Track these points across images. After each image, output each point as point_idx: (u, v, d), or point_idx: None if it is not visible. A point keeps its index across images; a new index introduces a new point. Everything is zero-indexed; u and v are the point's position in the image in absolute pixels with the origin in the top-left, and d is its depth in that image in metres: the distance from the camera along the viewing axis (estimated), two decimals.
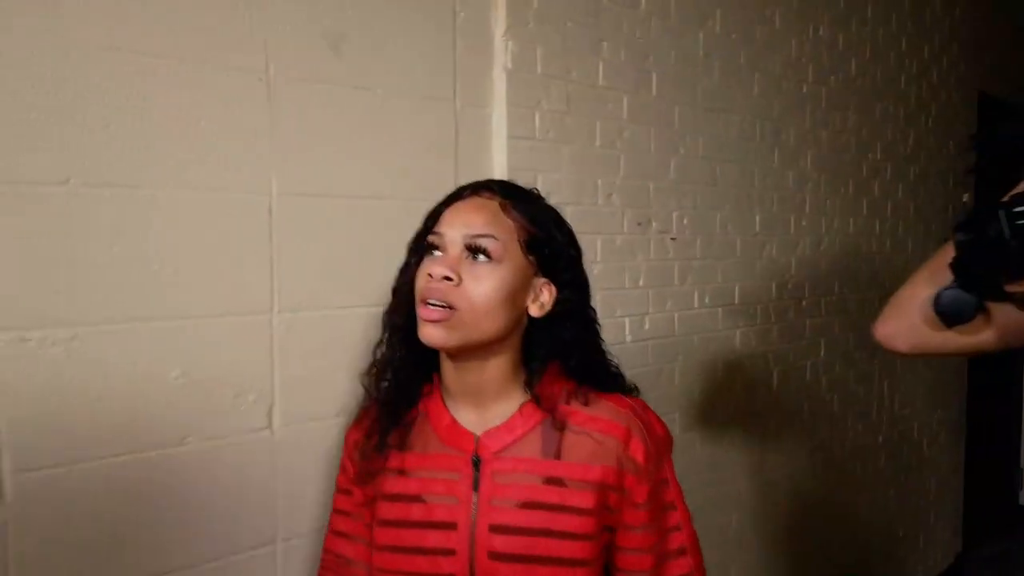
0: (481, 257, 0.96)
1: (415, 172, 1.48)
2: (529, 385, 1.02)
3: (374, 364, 1.08)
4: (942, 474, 3.34)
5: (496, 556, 0.96)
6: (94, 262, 1.10)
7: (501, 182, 1.05)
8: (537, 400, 1.01)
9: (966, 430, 3.53)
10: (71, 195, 1.08)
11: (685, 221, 2.02)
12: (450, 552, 0.97)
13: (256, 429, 1.29)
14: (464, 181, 1.53)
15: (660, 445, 1.04)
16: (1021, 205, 0.82)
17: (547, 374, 1.02)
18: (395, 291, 1.07)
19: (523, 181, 1.60)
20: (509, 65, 1.59)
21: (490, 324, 0.96)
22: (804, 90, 2.41)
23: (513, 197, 1.01)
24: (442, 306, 0.94)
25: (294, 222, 1.31)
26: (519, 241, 0.98)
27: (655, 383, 1.96)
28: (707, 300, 2.11)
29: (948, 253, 0.96)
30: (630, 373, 1.86)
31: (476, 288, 0.95)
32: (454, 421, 1.02)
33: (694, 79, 2.02)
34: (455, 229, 0.97)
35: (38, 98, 1.05)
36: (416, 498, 1.00)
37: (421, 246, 1.02)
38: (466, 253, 0.97)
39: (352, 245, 1.39)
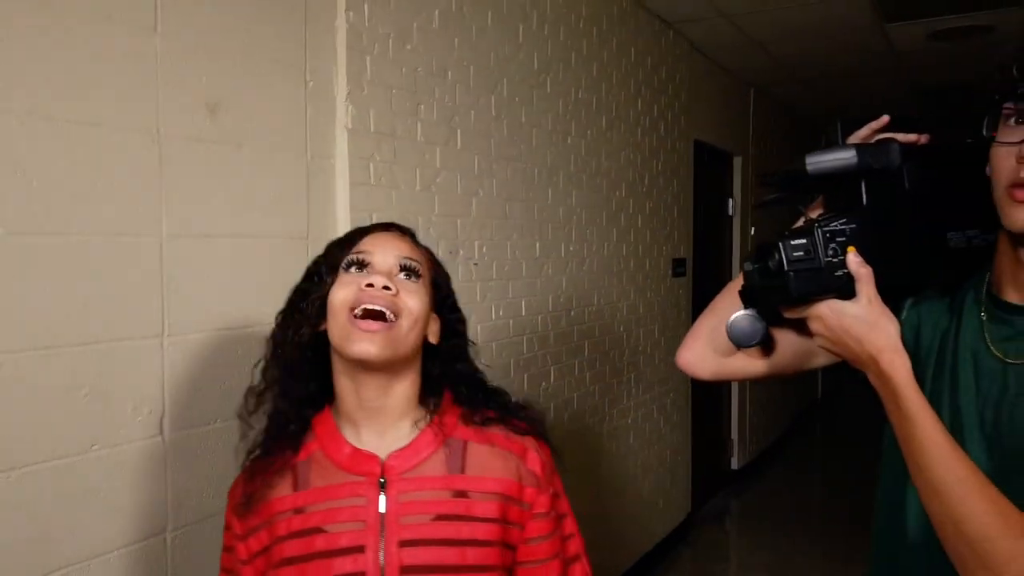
0: (412, 276, 1.01)
1: (276, 213, 1.76)
2: (432, 409, 1.05)
3: (256, 391, 1.06)
4: (675, 446, 4.15)
5: (407, 570, 0.96)
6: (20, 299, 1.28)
7: (403, 226, 1.10)
8: (440, 422, 1.04)
9: (691, 410, 4.40)
10: (3, 243, 1.26)
11: (484, 249, 2.47)
12: (359, 575, 0.96)
13: (151, 436, 1.51)
14: (316, 221, 1.87)
15: (551, 458, 1.10)
16: (798, 239, 0.91)
17: (444, 400, 1.07)
18: (291, 313, 1.05)
19: (361, 219, 1.97)
20: (349, 125, 1.93)
21: (413, 340, 1.00)
22: (569, 142, 2.99)
23: (417, 241, 1.09)
24: (382, 317, 0.96)
25: (182, 258, 1.55)
26: (429, 273, 1.06)
27: None
28: (501, 313, 2.58)
29: (739, 282, 1.04)
30: None
31: (411, 301, 0.99)
32: (355, 448, 1.01)
33: (488, 134, 2.49)
34: (386, 250, 1.01)
35: None
36: (316, 530, 0.98)
37: (330, 267, 1.02)
38: (397, 271, 1.00)
39: (229, 277, 1.65)
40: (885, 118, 0.97)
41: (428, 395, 1.06)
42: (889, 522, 0.97)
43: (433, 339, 1.06)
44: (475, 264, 2.43)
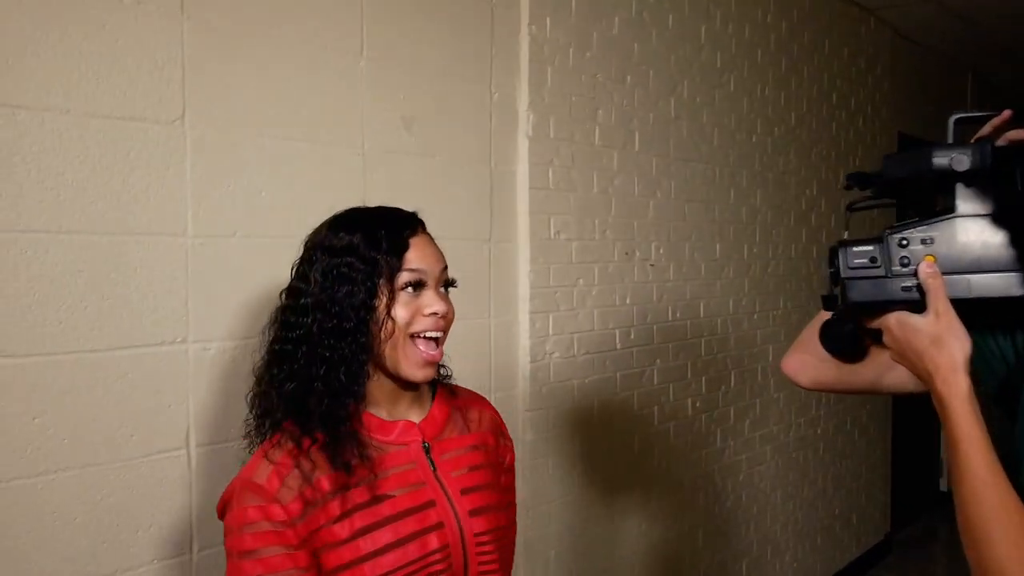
0: (448, 287, 1.10)
1: (463, 216, 1.91)
2: (435, 385, 1.16)
3: (282, 395, 1.04)
4: (872, 462, 3.88)
5: (475, 512, 1.08)
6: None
7: (420, 218, 1.10)
8: (441, 396, 1.16)
9: (892, 423, 4.09)
10: (236, 242, 1.48)
11: (661, 251, 2.49)
12: (439, 526, 1.04)
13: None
14: (498, 224, 1.99)
15: None
16: (862, 245, 0.86)
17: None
18: (348, 318, 1.01)
19: (539, 222, 2.06)
20: (530, 133, 2.03)
21: None
22: (753, 140, 2.92)
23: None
24: (438, 341, 1.05)
25: None
26: None
27: (639, 382, 2.42)
28: (678, 315, 2.57)
29: None
30: (619, 375, 2.33)
31: (451, 311, 1.07)
32: (392, 422, 1.08)
33: (667, 136, 2.50)
34: (431, 266, 1.05)
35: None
36: (383, 497, 1.02)
37: (381, 275, 1.01)
38: (440, 285, 1.07)
39: None
40: (1007, 113, 0.88)
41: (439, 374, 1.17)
42: None
43: None
44: (651, 265, 2.45)
